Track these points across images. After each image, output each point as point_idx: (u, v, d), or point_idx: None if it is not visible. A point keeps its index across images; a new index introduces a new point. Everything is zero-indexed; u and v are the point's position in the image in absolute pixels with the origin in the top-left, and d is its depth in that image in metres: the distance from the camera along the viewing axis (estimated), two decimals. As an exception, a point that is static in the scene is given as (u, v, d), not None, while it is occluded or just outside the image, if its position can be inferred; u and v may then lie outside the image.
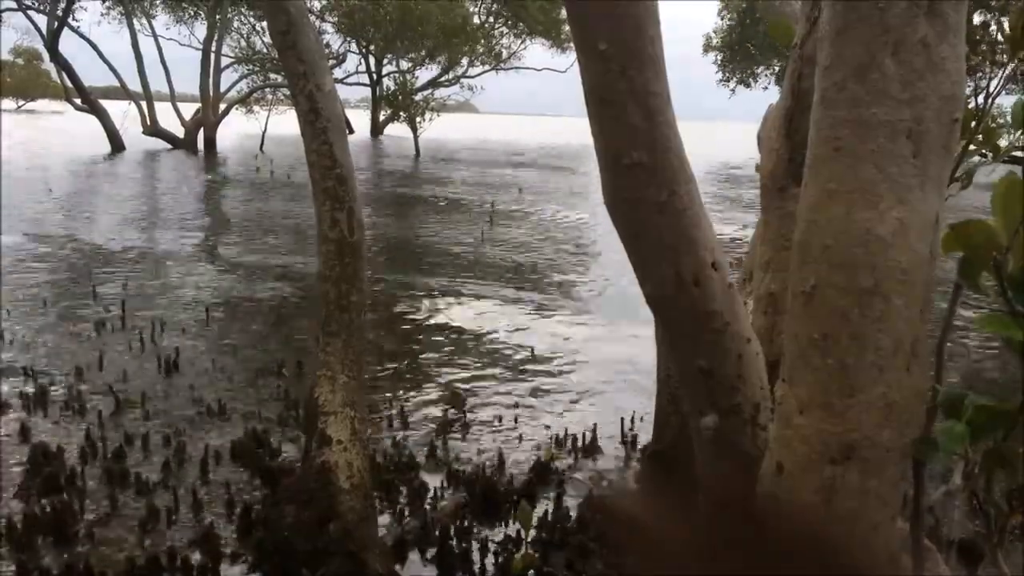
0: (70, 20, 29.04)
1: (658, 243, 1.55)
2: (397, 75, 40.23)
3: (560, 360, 6.70)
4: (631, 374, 6.21)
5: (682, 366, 1.70)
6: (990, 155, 1.55)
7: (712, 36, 35.09)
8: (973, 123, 1.48)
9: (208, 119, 31.57)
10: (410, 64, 40.68)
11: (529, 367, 6.47)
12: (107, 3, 33.02)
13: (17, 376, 5.78)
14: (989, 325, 1.11)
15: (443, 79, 42.01)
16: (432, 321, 7.92)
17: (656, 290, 1.60)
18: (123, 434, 4.77)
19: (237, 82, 33.66)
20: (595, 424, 5.04)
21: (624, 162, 1.49)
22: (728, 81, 36.09)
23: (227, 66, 33.28)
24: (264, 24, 22.57)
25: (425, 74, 41.14)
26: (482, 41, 40.25)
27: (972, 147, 1.52)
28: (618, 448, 4.98)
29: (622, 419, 5.14)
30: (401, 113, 32.76)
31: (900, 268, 1.13)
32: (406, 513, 4.01)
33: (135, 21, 32.47)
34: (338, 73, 37.69)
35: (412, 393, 5.78)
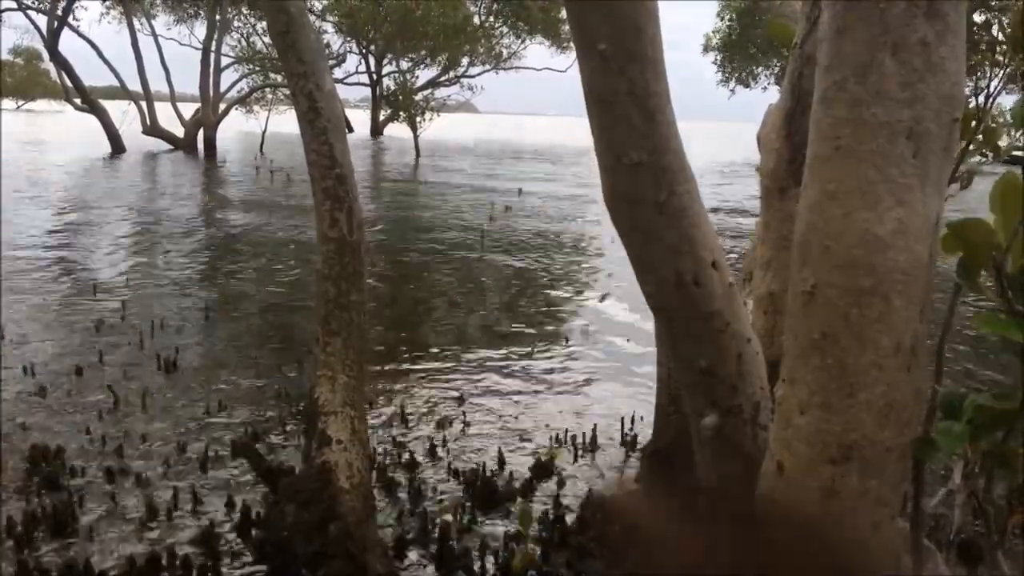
0: (70, 20, 28.99)
1: (658, 243, 1.55)
2: (397, 75, 40.18)
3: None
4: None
5: (682, 366, 1.70)
6: (990, 155, 1.55)
7: (712, 36, 35.00)
8: (973, 123, 1.48)
9: (208, 119, 31.50)
10: (410, 64, 40.63)
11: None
12: (107, 2, 32.97)
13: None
14: (988, 324, 1.11)
15: (443, 79, 41.96)
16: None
17: (656, 290, 1.60)
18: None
19: (237, 82, 33.59)
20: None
21: (624, 162, 1.49)
22: (727, 81, 36.02)
23: (227, 66, 33.18)
24: (264, 24, 22.55)
25: (425, 74, 41.15)
26: (482, 41, 40.19)
27: (972, 147, 1.52)
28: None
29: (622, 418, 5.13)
30: (401, 113, 32.71)
31: (900, 268, 1.13)
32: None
33: (135, 20, 32.43)
34: (338, 73, 37.63)
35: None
